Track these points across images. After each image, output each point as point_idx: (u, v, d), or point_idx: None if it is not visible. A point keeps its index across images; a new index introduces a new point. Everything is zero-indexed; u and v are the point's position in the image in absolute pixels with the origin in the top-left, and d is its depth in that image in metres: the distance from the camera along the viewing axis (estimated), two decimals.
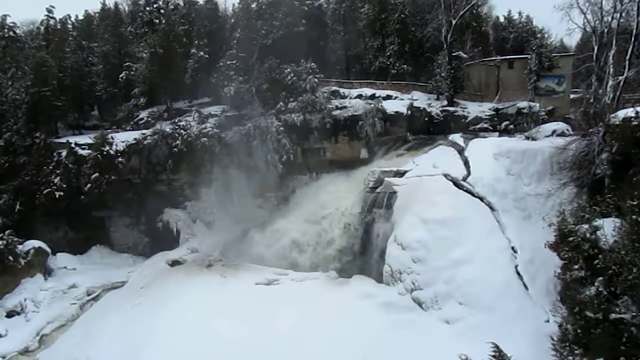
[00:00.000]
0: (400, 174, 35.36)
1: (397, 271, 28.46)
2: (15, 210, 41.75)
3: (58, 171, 43.03)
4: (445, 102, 44.86)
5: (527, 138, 35.29)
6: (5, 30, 56.47)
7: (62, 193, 41.93)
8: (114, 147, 43.44)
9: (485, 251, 26.94)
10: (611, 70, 37.92)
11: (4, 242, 35.78)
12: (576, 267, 21.18)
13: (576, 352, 19.49)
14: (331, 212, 37.70)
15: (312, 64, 44.50)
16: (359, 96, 45.35)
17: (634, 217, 19.30)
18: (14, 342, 31.44)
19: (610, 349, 18.04)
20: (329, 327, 25.72)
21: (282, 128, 42.34)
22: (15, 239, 36.72)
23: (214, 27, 54.36)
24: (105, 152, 42.69)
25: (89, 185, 41.80)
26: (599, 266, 19.81)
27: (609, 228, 20.54)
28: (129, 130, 47.54)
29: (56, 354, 30.10)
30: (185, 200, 44.27)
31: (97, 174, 41.83)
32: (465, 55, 47.18)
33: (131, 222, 44.59)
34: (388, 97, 44.98)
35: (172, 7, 57.73)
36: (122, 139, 44.67)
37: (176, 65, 48.21)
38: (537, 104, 42.27)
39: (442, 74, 44.40)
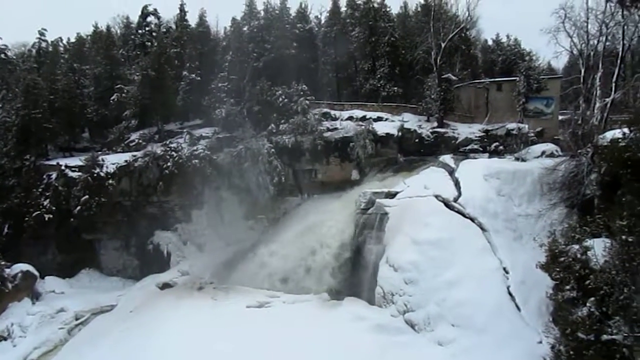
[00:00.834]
0: (392, 195, 35.37)
1: (389, 293, 28.31)
2: (3, 233, 41.50)
3: (47, 193, 42.84)
4: (435, 124, 45.22)
5: (517, 159, 35.66)
6: None
7: (51, 216, 41.69)
8: (104, 169, 43.38)
9: (477, 272, 26.90)
10: (598, 92, 38.45)
11: None
12: (568, 287, 21.13)
13: None
14: (323, 234, 37.52)
15: (304, 86, 44.87)
16: (350, 118, 45.69)
17: (623, 237, 19.38)
18: None
19: None
20: (321, 351, 25.38)
21: (273, 150, 42.48)
22: (3, 262, 36.29)
23: (205, 50, 54.90)
24: (95, 174, 42.58)
25: (78, 207, 41.59)
26: (590, 286, 19.79)
27: (599, 248, 20.57)
28: (120, 152, 47.54)
29: None
30: (176, 223, 44.04)
31: (87, 197, 41.67)
32: (454, 78, 47.76)
33: (121, 244, 44.27)
34: (379, 119, 45.37)
35: (164, 30, 58.26)
36: (112, 161, 44.59)
37: (168, 87, 48.47)
38: (526, 126, 42.75)
39: (432, 96, 44.81)
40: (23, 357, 31.95)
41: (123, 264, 44.16)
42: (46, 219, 41.44)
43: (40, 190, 43.24)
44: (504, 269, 27.40)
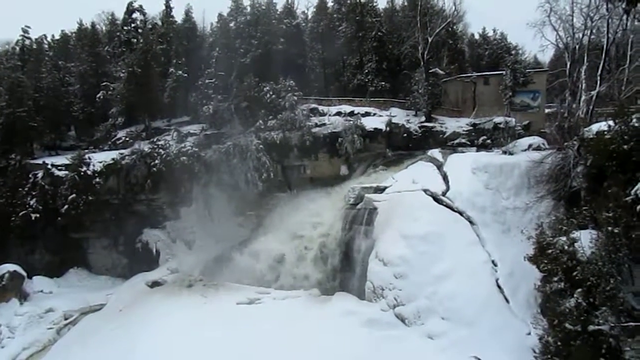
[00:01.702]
0: (380, 190, 35.46)
1: (379, 287, 28.40)
2: None
3: (34, 193, 42.36)
4: (423, 118, 45.34)
5: (504, 152, 35.87)
6: None
7: (38, 215, 41.28)
8: (91, 168, 43.02)
9: (465, 265, 27.11)
10: (584, 85, 38.77)
11: None
12: (555, 279, 21.35)
13: None
14: (312, 229, 37.63)
15: (291, 81, 44.73)
16: (338, 113, 45.64)
17: (609, 228, 19.66)
18: None
19: None
20: (312, 346, 25.44)
21: (261, 146, 42.31)
22: None
23: (192, 46, 54.54)
24: (82, 173, 42.21)
25: (65, 206, 41.19)
26: (577, 278, 20.02)
27: (586, 240, 20.80)
28: (107, 150, 47.17)
29: None
30: (165, 220, 43.84)
31: (74, 195, 41.29)
32: (442, 72, 47.94)
33: (109, 243, 43.95)
34: (367, 114, 45.33)
35: (149, 26, 57.69)
36: (99, 159, 44.27)
37: (154, 84, 48.12)
38: (513, 119, 42.94)
39: (420, 91, 44.91)
40: (12, 358, 31.68)
41: (112, 263, 43.88)
42: (33, 218, 41.02)
43: (26, 189, 42.72)
44: (493, 261, 27.67)
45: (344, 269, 34.19)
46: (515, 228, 28.89)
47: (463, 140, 43.19)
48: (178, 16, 57.88)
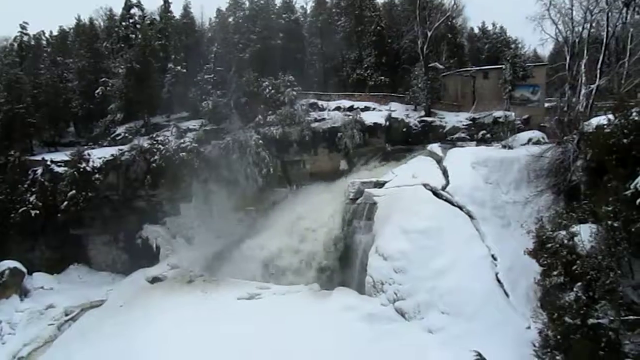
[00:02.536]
0: (380, 184, 35.47)
1: (379, 282, 28.44)
2: None
3: (33, 189, 42.30)
4: (422, 113, 45.28)
5: (504, 147, 35.81)
6: None
7: (37, 211, 41.19)
8: (90, 164, 42.88)
9: (465, 260, 27.13)
10: (583, 79, 38.58)
11: None
12: (555, 273, 21.36)
13: (557, 357, 19.68)
14: (312, 224, 37.65)
15: (290, 76, 44.68)
16: (338, 108, 45.63)
17: (609, 222, 19.63)
18: None
19: (589, 354, 18.23)
20: (312, 340, 25.49)
21: (261, 141, 42.26)
22: None
23: (190, 42, 54.42)
24: (81, 169, 42.10)
25: (65, 202, 41.12)
26: (577, 272, 20.02)
27: (585, 234, 20.78)
28: (106, 146, 47.04)
29: None
30: (165, 216, 43.82)
31: (73, 192, 41.21)
32: (441, 67, 47.82)
33: (109, 239, 43.89)
34: (366, 109, 45.32)
35: (148, 22, 57.43)
36: (99, 155, 44.18)
37: (153, 80, 48.02)
38: (513, 113, 42.95)
39: (419, 85, 44.85)
40: (12, 354, 31.71)
41: (112, 259, 43.83)
42: (33, 214, 40.94)
43: (26, 186, 42.67)
44: (492, 256, 27.66)
45: (344, 264, 34.29)
46: (515, 222, 28.94)
47: (463, 135, 43.23)
48: (176, 11, 58.07)
